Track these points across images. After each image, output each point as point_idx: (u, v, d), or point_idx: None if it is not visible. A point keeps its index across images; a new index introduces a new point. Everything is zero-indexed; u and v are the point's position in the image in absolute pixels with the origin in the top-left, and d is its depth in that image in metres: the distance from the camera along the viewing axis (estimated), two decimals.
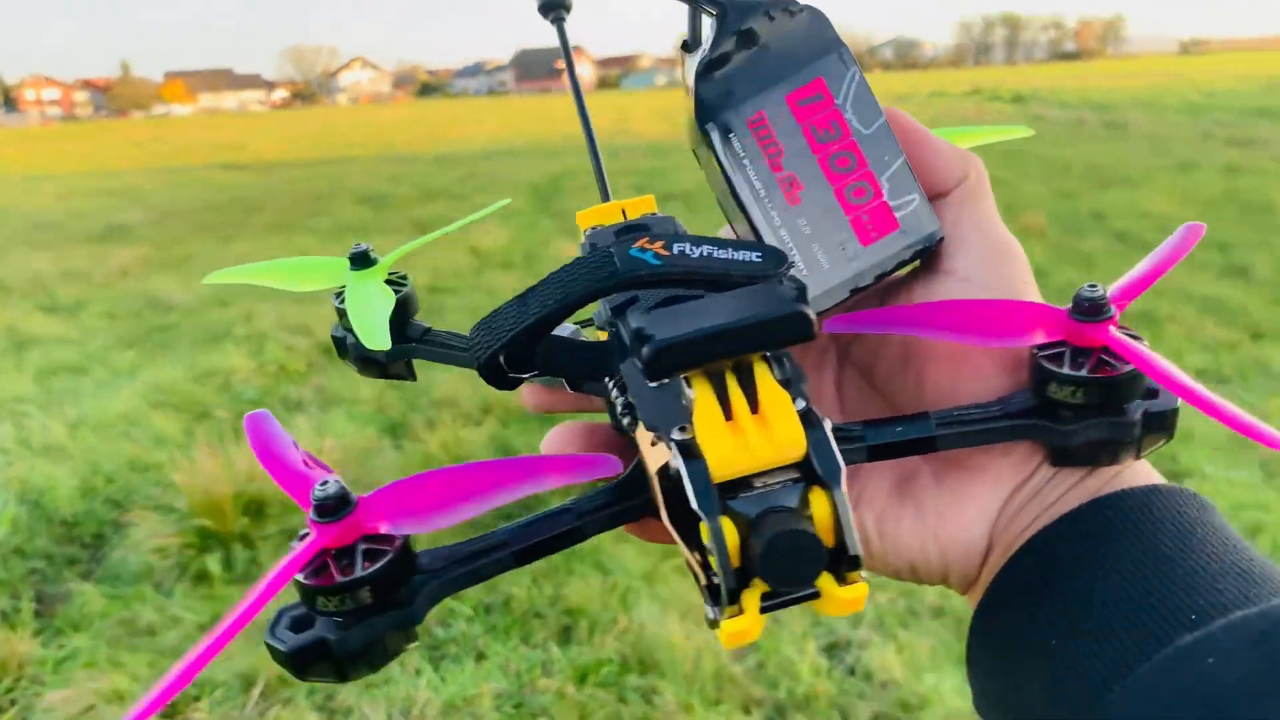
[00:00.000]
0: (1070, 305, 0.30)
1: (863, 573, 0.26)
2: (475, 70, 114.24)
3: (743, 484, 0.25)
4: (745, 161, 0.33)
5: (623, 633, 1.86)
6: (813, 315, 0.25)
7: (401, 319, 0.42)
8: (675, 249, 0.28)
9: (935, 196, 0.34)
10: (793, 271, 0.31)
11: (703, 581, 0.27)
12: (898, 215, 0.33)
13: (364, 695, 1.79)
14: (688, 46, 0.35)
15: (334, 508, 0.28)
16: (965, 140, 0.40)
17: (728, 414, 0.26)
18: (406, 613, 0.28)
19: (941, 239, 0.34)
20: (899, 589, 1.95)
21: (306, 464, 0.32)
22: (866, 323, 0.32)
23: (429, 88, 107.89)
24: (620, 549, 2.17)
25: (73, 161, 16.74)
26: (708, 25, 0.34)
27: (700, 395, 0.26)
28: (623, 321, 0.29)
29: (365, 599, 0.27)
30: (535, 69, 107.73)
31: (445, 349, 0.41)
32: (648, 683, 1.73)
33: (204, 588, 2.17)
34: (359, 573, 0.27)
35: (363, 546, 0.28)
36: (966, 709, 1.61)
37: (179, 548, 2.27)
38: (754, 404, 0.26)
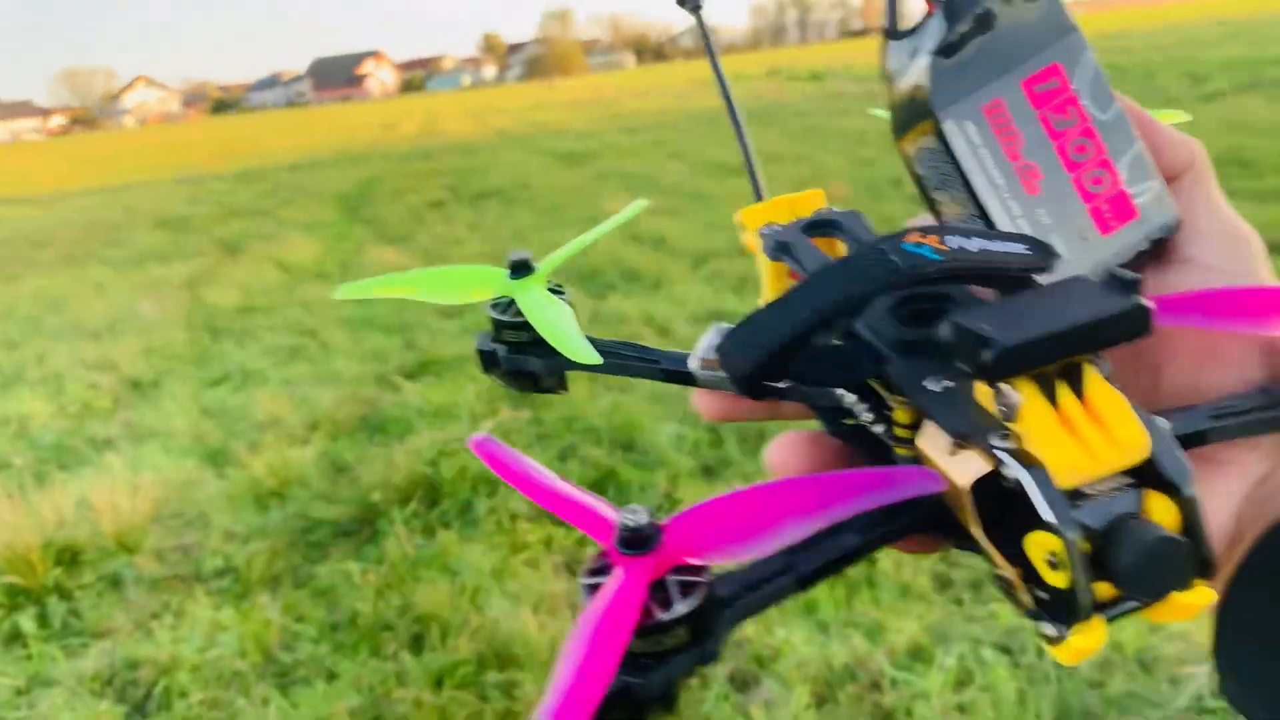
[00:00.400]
0: None
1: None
2: (271, 83, 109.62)
3: (1076, 493, 0.24)
4: (985, 152, 0.31)
5: (476, 632, 1.84)
6: (1153, 307, 0.24)
7: None
8: (952, 243, 0.27)
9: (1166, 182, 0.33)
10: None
11: (1027, 599, 0.25)
12: (1137, 203, 0.32)
13: None
14: (890, 34, 0.34)
15: (646, 539, 0.24)
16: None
17: (1061, 418, 0.24)
18: (710, 649, 0.24)
19: (1178, 226, 0.32)
20: None
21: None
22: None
23: (223, 104, 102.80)
24: (465, 549, 2.14)
25: None
26: (917, 12, 0.32)
27: (1030, 399, 0.24)
28: (907, 323, 0.29)
29: (682, 638, 0.24)
30: (333, 77, 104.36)
31: (619, 359, 0.37)
32: (507, 678, 1.72)
33: (18, 648, 2.01)
34: (679, 609, 0.24)
35: (675, 579, 0.24)
36: (815, 656, 1.67)
37: None
38: (1086, 406, 0.24)
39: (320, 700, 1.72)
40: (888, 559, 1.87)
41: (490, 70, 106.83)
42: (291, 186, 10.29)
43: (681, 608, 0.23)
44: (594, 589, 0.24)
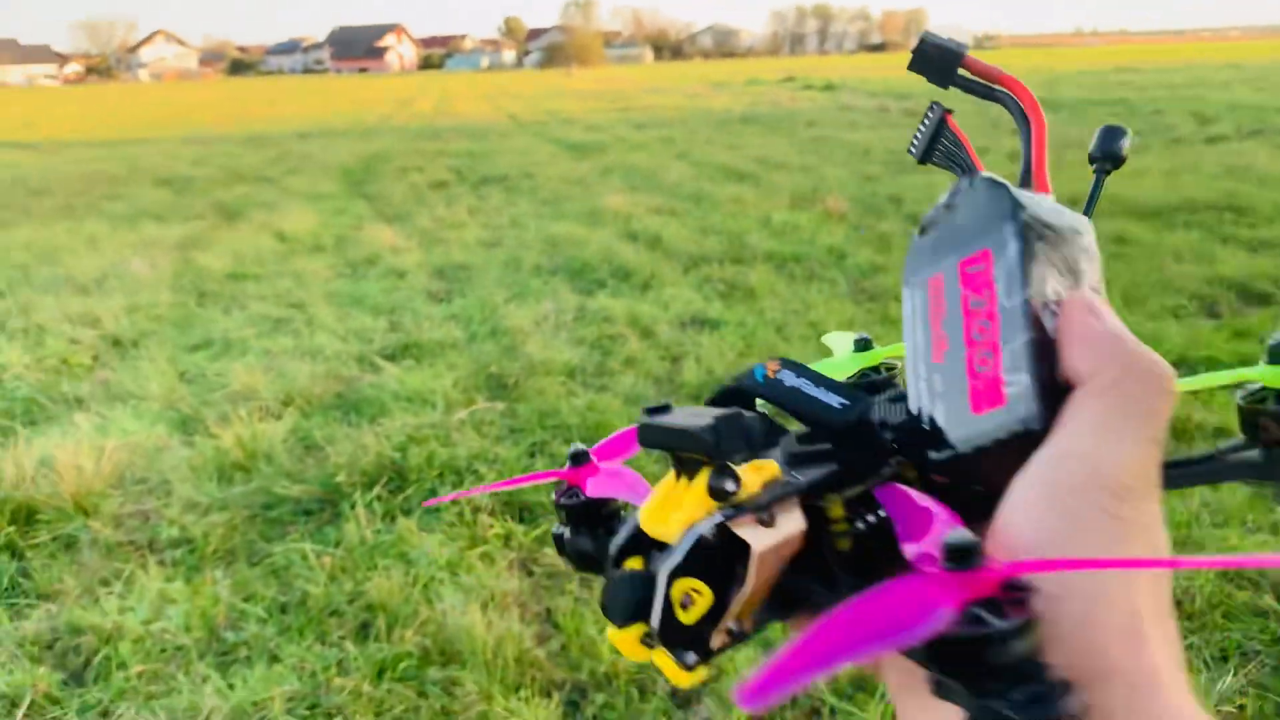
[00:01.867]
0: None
1: (689, 656, 0.30)
2: (290, 48, 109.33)
3: (664, 547, 0.31)
4: (918, 318, 0.35)
5: (423, 625, 1.83)
6: (706, 439, 0.30)
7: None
8: (782, 377, 0.35)
9: (1069, 387, 0.31)
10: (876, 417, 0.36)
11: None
12: (1005, 391, 0.32)
13: (143, 707, 1.68)
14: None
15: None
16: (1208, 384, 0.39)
17: (671, 490, 0.32)
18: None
19: (1040, 432, 0.30)
20: None
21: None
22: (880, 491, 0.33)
23: (240, 65, 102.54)
24: (424, 538, 2.12)
25: None
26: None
27: (668, 474, 0.33)
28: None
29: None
30: (353, 47, 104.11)
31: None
32: (448, 674, 1.70)
33: None
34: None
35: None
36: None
37: None
38: (686, 492, 0.32)
39: (259, 683, 1.70)
40: None
41: (510, 54, 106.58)
42: (299, 155, 10.26)
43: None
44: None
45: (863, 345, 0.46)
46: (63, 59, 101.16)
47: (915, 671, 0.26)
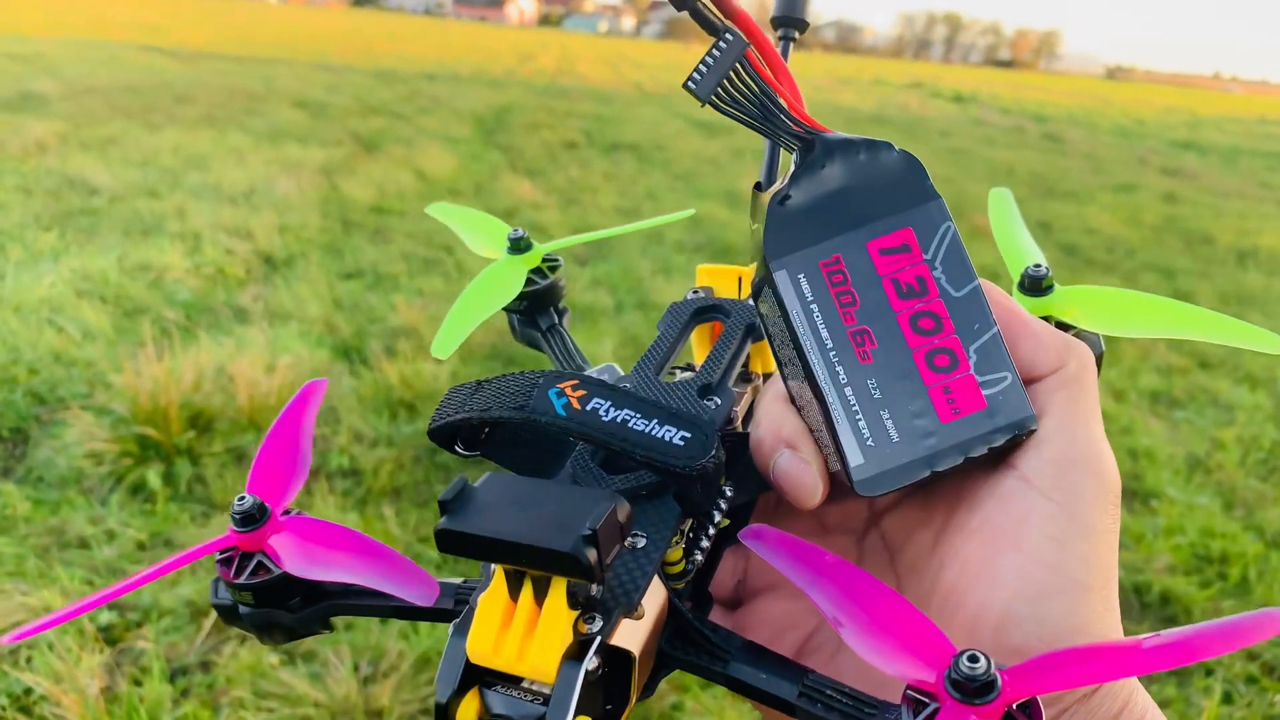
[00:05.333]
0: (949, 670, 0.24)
1: None
2: None
3: (509, 679, 0.26)
4: (814, 308, 0.29)
5: None
6: (588, 559, 0.24)
7: (541, 305, 0.43)
8: (590, 405, 0.29)
9: (1027, 382, 0.30)
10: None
11: None
12: (985, 393, 0.29)
13: (325, 641, 1.66)
14: (760, 187, 0.33)
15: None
16: (1197, 325, 0.36)
17: (506, 612, 0.26)
18: None
19: (1034, 430, 0.29)
20: None
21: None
22: (787, 557, 0.27)
23: None
24: None
25: None
26: (790, 163, 0.31)
27: (495, 582, 0.26)
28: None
29: None
30: None
31: (565, 353, 0.41)
32: None
33: (142, 501, 1.99)
34: None
35: None
36: None
37: (116, 455, 2.08)
38: (538, 613, 0.26)
39: (443, 634, 1.66)
40: None
41: (629, 21, 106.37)
42: (429, 96, 10.30)
43: None
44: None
45: (522, 245, 0.43)
46: None
47: None
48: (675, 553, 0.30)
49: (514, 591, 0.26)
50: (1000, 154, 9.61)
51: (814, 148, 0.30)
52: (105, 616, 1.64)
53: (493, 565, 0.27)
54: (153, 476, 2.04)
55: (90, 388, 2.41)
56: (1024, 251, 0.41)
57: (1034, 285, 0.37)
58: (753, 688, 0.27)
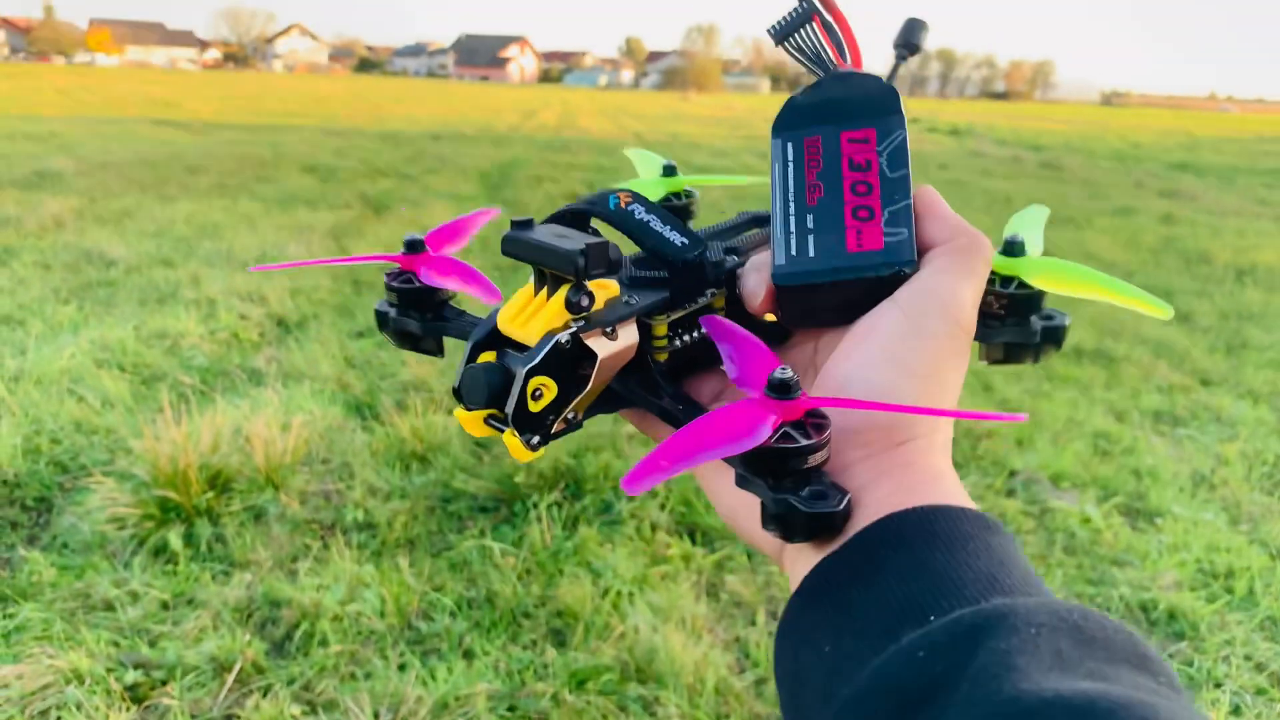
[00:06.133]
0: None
1: (533, 439, 0.36)
2: (416, 50, 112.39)
3: (515, 346, 0.37)
4: (791, 167, 0.42)
5: (619, 639, 1.81)
6: (578, 263, 0.34)
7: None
8: (630, 208, 0.41)
9: (925, 248, 0.40)
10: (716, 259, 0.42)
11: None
12: (885, 240, 0.39)
13: (344, 687, 1.70)
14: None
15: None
16: (1111, 292, 0.43)
17: (527, 301, 0.37)
18: None
19: (909, 273, 0.38)
20: None
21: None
22: (711, 325, 0.41)
23: (367, 63, 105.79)
24: (605, 549, 2.11)
25: None
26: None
27: (529, 283, 0.38)
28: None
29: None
30: (477, 55, 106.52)
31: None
32: (650, 693, 1.68)
33: (164, 562, 2.05)
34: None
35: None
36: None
37: (137, 518, 2.14)
38: (545, 304, 0.37)
39: (460, 678, 1.70)
40: None
41: (628, 74, 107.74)
42: (434, 155, 10.48)
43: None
44: None
45: (669, 171, 0.55)
46: (203, 45, 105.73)
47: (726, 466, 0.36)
48: (661, 328, 0.41)
49: (537, 288, 0.37)
50: (998, 184, 9.69)
51: (825, 79, 0.43)
52: (131, 676, 1.69)
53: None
54: (174, 538, 2.09)
55: (111, 454, 2.48)
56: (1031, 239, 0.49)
57: (1007, 248, 0.45)
58: (662, 409, 0.40)
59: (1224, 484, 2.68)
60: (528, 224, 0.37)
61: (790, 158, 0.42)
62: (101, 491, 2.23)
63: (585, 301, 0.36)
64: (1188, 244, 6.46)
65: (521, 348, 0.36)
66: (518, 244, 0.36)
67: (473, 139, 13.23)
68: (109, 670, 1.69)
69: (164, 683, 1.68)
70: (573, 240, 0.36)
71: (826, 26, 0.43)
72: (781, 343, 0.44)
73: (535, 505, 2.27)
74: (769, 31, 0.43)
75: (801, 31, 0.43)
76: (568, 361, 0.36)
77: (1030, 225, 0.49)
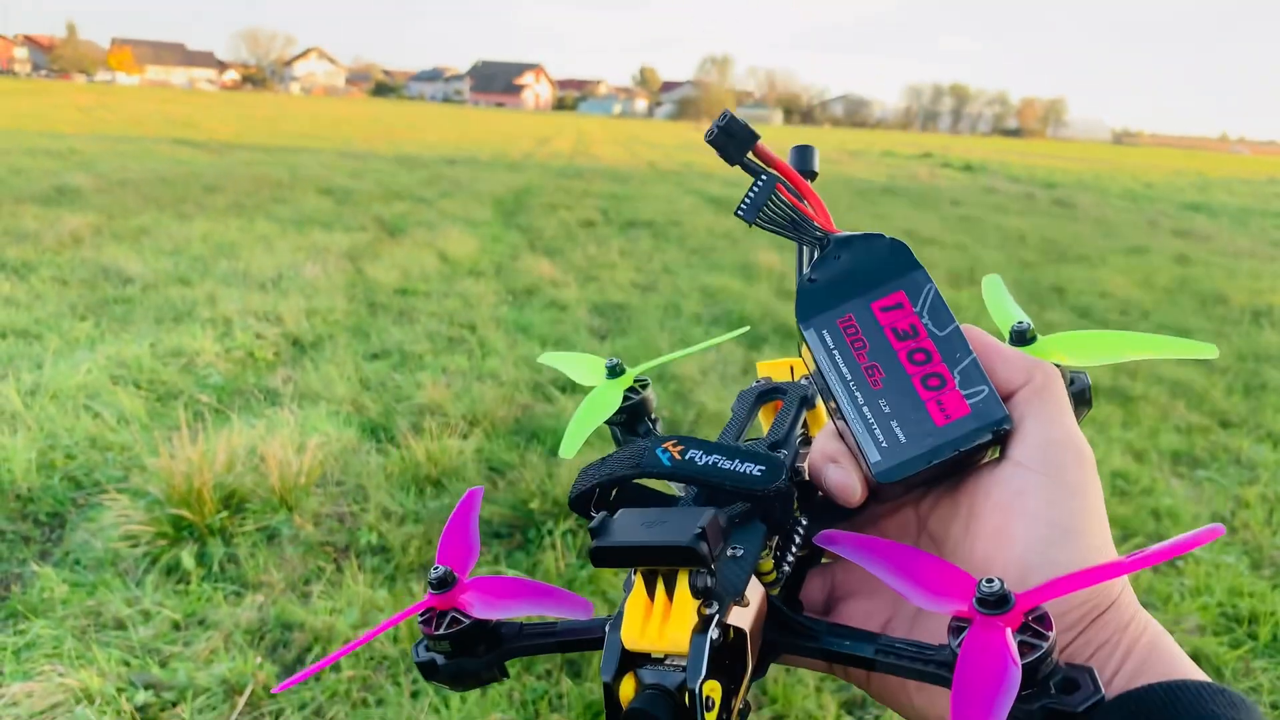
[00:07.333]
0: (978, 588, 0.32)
1: None
2: (433, 76, 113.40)
3: (643, 656, 0.33)
4: (835, 353, 0.40)
5: None
6: (703, 550, 0.31)
7: (636, 416, 0.50)
8: (688, 455, 0.38)
9: (1006, 397, 0.38)
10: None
11: None
12: (969, 402, 0.38)
13: (355, 713, 1.68)
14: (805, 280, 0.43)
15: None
16: (1152, 347, 0.43)
17: (646, 605, 0.33)
18: None
19: (1009, 429, 0.37)
20: None
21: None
22: (851, 546, 0.36)
23: (384, 88, 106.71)
24: (618, 581, 2.09)
25: (9, 118, 16.10)
26: (809, 254, 0.42)
27: (636, 586, 0.33)
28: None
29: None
30: (492, 82, 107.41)
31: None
32: None
33: (176, 581, 2.03)
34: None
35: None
36: None
37: (151, 536, 2.13)
38: (670, 603, 0.32)
39: (473, 706, 1.68)
40: None
41: (642, 103, 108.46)
42: (449, 180, 10.54)
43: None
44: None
45: (616, 371, 0.51)
46: (222, 66, 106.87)
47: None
48: (767, 563, 0.38)
49: (650, 590, 0.33)
50: (1011, 221, 9.69)
51: (829, 243, 0.41)
52: (141, 697, 1.67)
53: (633, 576, 0.34)
54: (186, 557, 2.08)
55: (125, 471, 2.47)
56: (1012, 317, 0.48)
57: (1019, 338, 0.44)
58: (839, 654, 0.36)
59: (1244, 527, 2.65)
60: (604, 528, 0.33)
61: (832, 345, 0.40)
62: (115, 508, 2.22)
63: (710, 581, 0.33)
64: (1203, 284, 6.45)
65: (652, 659, 0.33)
66: (616, 553, 0.33)
67: (487, 164, 13.31)
68: (119, 690, 1.67)
69: (174, 704, 1.67)
70: (671, 524, 0.33)
71: (791, 192, 0.42)
72: (848, 519, 0.41)
73: (550, 533, 2.25)
74: (738, 214, 0.42)
75: (770, 204, 0.42)
76: (723, 652, 0.33)
77: (1002, 299, 0.50)
